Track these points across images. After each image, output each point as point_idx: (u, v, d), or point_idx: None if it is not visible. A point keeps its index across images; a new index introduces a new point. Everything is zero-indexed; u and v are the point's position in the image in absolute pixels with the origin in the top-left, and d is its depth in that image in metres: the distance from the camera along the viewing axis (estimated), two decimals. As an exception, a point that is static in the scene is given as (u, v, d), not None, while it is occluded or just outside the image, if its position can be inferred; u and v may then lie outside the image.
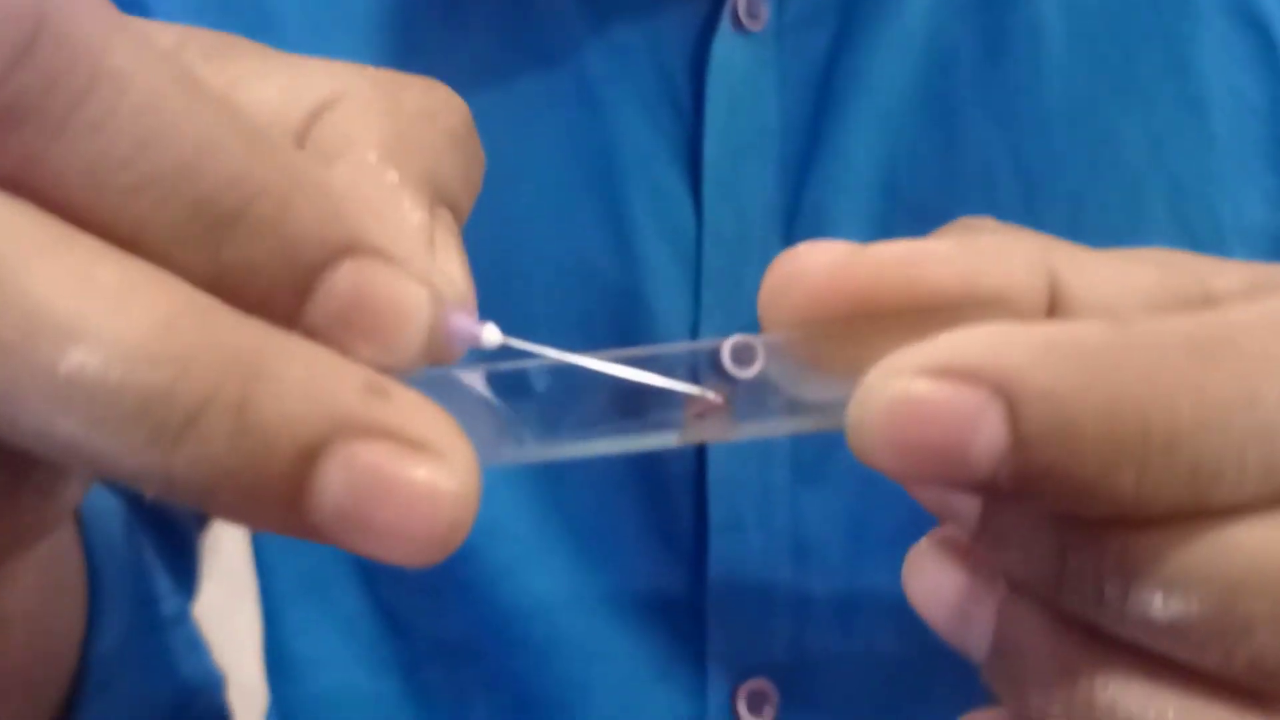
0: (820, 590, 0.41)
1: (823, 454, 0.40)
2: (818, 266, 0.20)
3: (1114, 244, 0.39)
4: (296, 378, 0.14)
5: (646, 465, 0.40)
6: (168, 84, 0.15)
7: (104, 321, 0.14)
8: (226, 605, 0.60)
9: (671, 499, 0.40)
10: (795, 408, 0.19)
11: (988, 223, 0.23)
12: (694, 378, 0.19)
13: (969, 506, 0.19)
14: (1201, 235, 0.40)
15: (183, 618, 0.41)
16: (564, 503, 0.41)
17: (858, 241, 0.38)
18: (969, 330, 0.16)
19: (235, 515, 0.15)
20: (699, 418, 0.19)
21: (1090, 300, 0.20)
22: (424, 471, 0.15)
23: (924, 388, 0.15)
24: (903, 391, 0.16)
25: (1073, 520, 0.16)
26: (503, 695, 0.42)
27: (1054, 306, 0.20)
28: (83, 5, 0.14)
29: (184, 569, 0.45)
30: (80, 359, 0.14)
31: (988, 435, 0.15)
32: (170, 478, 0.14)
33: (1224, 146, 0.40)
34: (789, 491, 0.40)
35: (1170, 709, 0.16)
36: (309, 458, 0.14)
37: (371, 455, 0.15)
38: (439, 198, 0.20)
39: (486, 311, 0.21)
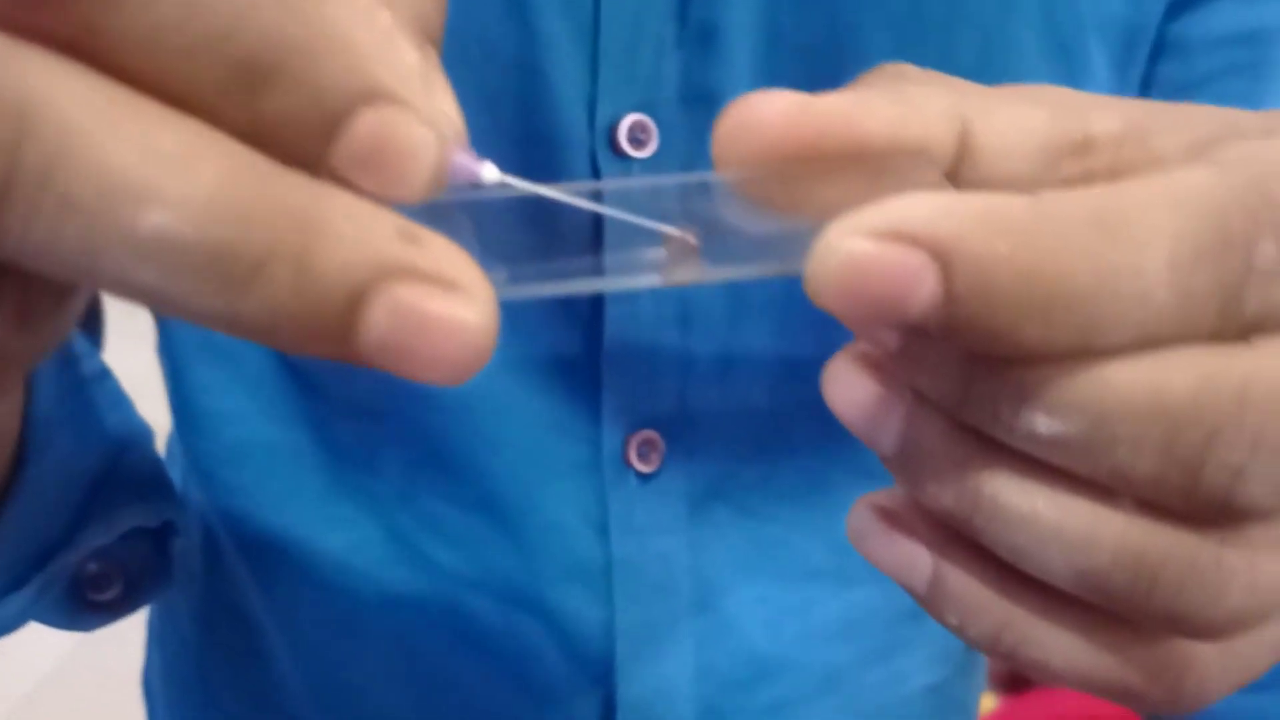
0: (703, 351, 0.44)
1: None
2: (768, 116, 0.22)
3: (987, 34, 0.42)
4: (345, 229, 0.17)
5: None
6: None
7: (173, 184, 0.15)
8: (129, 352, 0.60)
9: None
10: (759, 254, 0.21)
11: (909, 70, 0.25)
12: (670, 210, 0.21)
13: (889, 333, 0.22)
14: (1065, 27, 0.43)
15: (104, 375, 0.42)
16: None
17: (748, 24, 0.40)
18: (915, 198, 0.18)
19: (291, 348, 0.17)
20: (675, 259, 0.21)
21: (993, 144, 0.23)
22: (454, 307, 0.17)
23: (874, 248, 0.18)
24: (856, 250, 0.18)
25: (980, 356, 0.20)
26: (413, 448, 0.45)
27: (963, 149, 0.23)
28: None
29: (90, 324, 0.46)
30: (157, 219, 0.15)
31: (924, 291, 0.18)
32: (237, 320, 0.16)
33: None
34: None
35: (1041, 500, 0.20)
36: (358, 299, 0.17)
37: (411, 295, 0.17)
38: (424, 35, 0.21)
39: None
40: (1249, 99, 0.46)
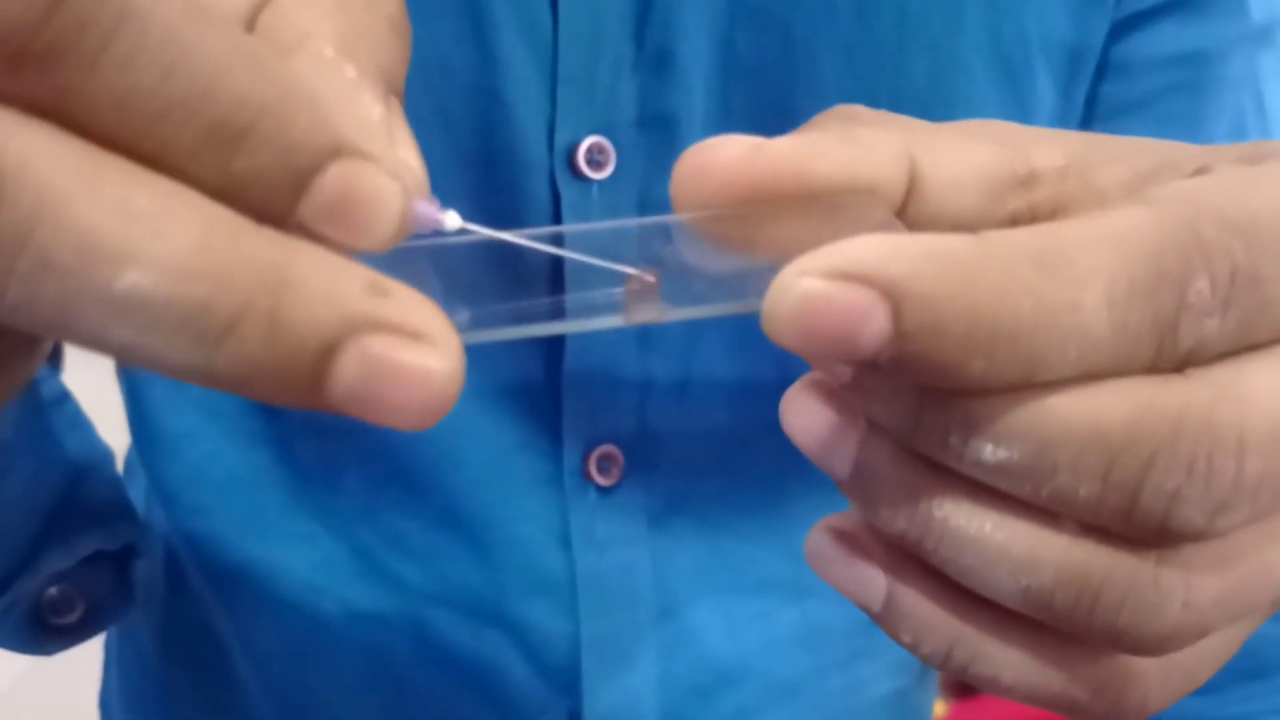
0: (661, 371, 0.45)
1: None
2: (724, 160, 0.23)
3: (936, 56, 0.43)
4: (316, 285, 0.17)
5: None
6: (181, 17, 0.16)
7: (150, 244, 0.16)
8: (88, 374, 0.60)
9: None
10: (718, 293, 0.22)
11: (860, 112, 0.26)
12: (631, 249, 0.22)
13: (842, 366, 0.23)
14: (1011, 48, 0.44)
15: (63, 397, 0.42)
16: None
17: (704, 48, 0.40)
18: (866, 239, 0.19)
19: (262, 398, 0.18)
20: (634, 299, 0.21)
21: (940, 180, 0.24)
22: (421, 357, 0.18)
23: (827, 288, 0.19)
24: (810, 289, 0.19)
25: (929, 388, 0.20)
26: (377, 466, 0.46)
27: (911, 186, 0.24)
28: None
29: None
30: (133, 279, 0.16)
31: (874, 328, 0.19)
32: (211, 374, 0.17)
33: None
34: None
35: (989, 523, 0.21)
36: (329, 352, 0.17)
37: (379, 346, 0.17)
38: (388, 87, 0.22)
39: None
40: (1189, 118, 0.47)
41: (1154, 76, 0.47)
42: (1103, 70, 0.47)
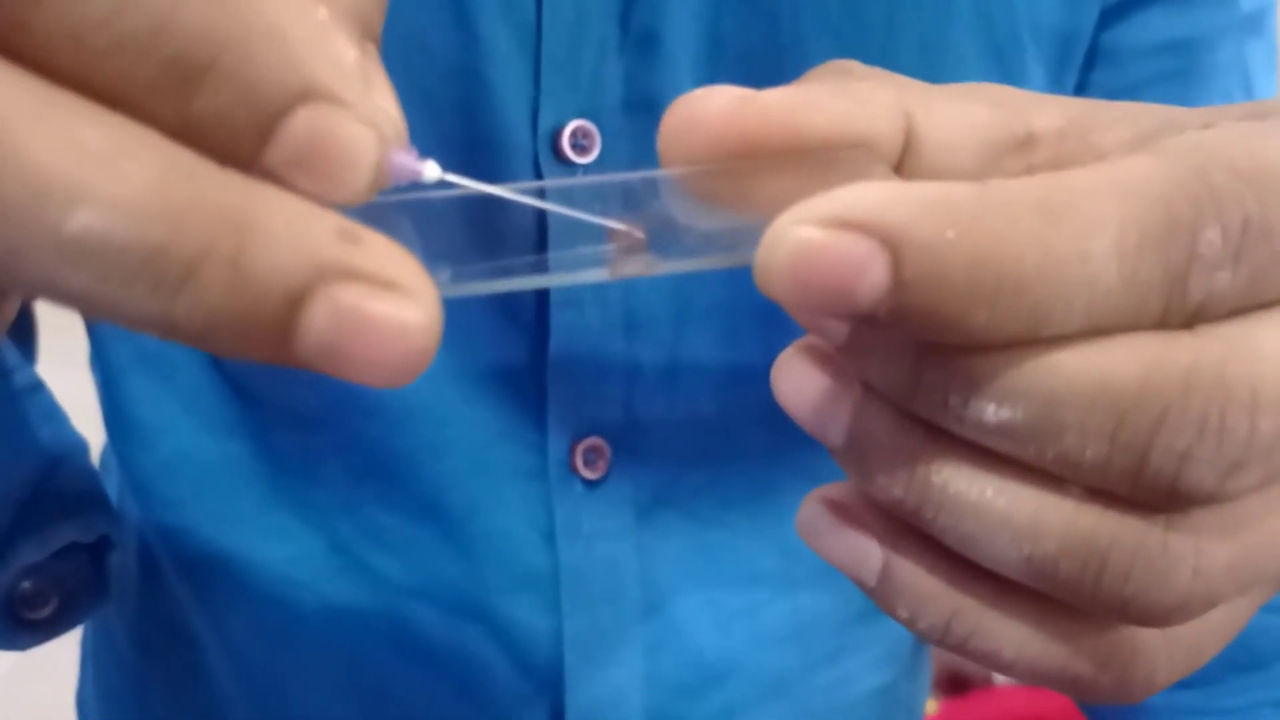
0: (648, 359, 0.44)
1: None
2: (713, 112, 0.22)
3: (926, 40, 0.43)
4: (282, 229, 0.16)
5: None
6: None
7: (102, 183, 0.15)
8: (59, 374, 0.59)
9: None
10: (708, 246, 0.21)
11: (854, 67, 0.25)
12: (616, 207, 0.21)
13: (837, 325, 0.22)
14: (1002, 33, 0.44)
15: (36, 387, 0.41)
16: None
17: (690, 31, 0.40)
18: (863, 186, 0.18)
19: (227, 351, 0.17)
20: (622, 253, 0.21)
21: (937, 138, 0.23)
22: (395, 308, 0.17)
23: (823, 236, 0.18)
24: (805, 239, 0.18)
25: (929, 344, 0.20)
26: (356, 457, 0.45)
27: (907, 144, 0.23)
28: None
29: (22, 337, 0.45)
30: (85, 220, 0.15)
31: (873, 279, 0.18)
32: (171, 323, 0.16)
33: None
34: None
35: (990, 488, 0.20)
36: (296, 301, 0.16)
37: (350, 296, 0.16)
38: (364, 31, 0.21)
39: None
40: (1180, 106, 0.47)
41: (1143, 64, 0.47)
42: (1092, 58, 0.46)
